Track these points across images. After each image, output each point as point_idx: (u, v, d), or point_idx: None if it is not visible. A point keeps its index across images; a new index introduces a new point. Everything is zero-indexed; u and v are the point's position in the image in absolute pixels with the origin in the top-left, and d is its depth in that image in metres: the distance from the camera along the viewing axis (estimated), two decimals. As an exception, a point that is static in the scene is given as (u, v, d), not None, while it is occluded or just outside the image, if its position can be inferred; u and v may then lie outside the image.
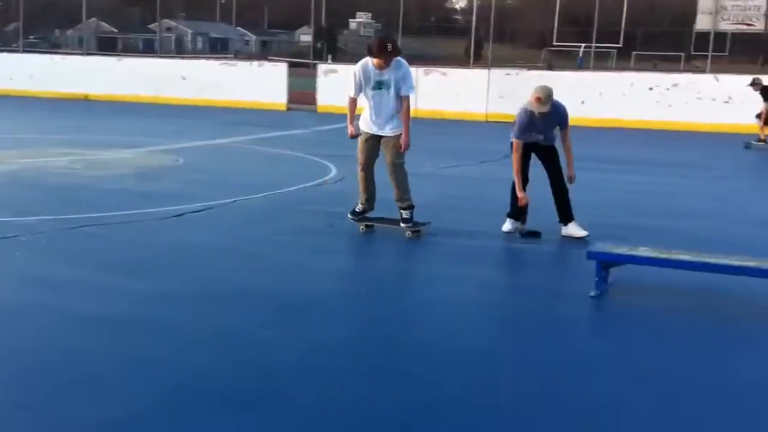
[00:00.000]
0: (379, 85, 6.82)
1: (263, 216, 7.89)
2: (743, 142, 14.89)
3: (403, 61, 6.83)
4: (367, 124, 7.06)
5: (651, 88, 18.86)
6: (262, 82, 21.88)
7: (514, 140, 7.06)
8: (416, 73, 20.31)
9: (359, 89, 6.94)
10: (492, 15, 22.00)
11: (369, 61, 6.80)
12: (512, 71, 20.70)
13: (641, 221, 8.05)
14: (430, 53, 46.85)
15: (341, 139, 15.49)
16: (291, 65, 22.85)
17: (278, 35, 59.42)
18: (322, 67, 21.99)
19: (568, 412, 3.64)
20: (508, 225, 7.27)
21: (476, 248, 6.75)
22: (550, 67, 32.82)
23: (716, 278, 5.55)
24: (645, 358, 4.37)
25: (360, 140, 7.16)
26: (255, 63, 23.72)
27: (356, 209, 7.27)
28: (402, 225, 6.99)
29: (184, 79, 22.55)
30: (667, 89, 18.60)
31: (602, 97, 18.62)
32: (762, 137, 14.90)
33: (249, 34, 57.33)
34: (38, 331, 4.51)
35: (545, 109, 6.84)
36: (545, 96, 6.83)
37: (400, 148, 6.93)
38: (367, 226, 7.18)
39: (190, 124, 17.51)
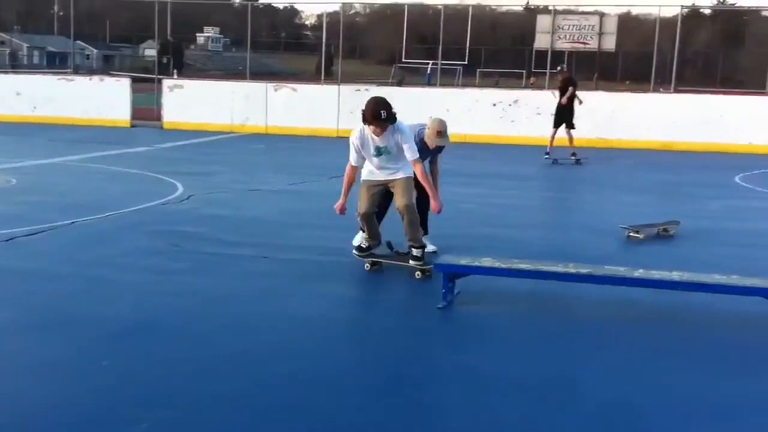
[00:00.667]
0: (380, 151, 6.34)
1: (105, 237, 7.53)
2: (573, 157, 15.45)
3: (400, 125, 6.26)
4: (373, 174, 6.53)
5: (494, 104, 19.56)
6: (103, 98, 21.03)
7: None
8: (266, 88, 20.35)
9: (360, 158, 6.45)
10: (341, 31, 22.18)
11: (365, 128, 6.30)
12: (362, 87, 20.91)
13: (487, 232, 8.29)
14: (281, 69, 46.74)
15: (187, 155, 15.30)
16: (134, 80, 22.11)
17: (121, 49, 57.48)
18: (167, 82, 21.43)
19: (410, 419, 3.66)
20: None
21: (326, 264, 6.71)
22: (400, 83, 33.50)
23: (553, 284, 5.79)
24: (485, 363, 4.48)
25: (363, 188, 6.55)
26: (96, 78, 22.79)
27: (362, 245, 6.68)
28: (411, 263, 6.45)
29: (18, 94, 21.36)
30: (510, 105, 19.34)
31: (449, 112, 19.10)
32: (550, 149, 15.44)
33: (89, 48, 55.10)
34: None
35: (444, 143, 6.91)
36: (444, 129, 6.89)
37: (411, 189, 6.43)
38: (373, 263, 6.61)
39: (25, 142, 16.57)
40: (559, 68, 16.42)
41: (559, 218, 9.47)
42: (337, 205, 6.58)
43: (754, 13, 40.52)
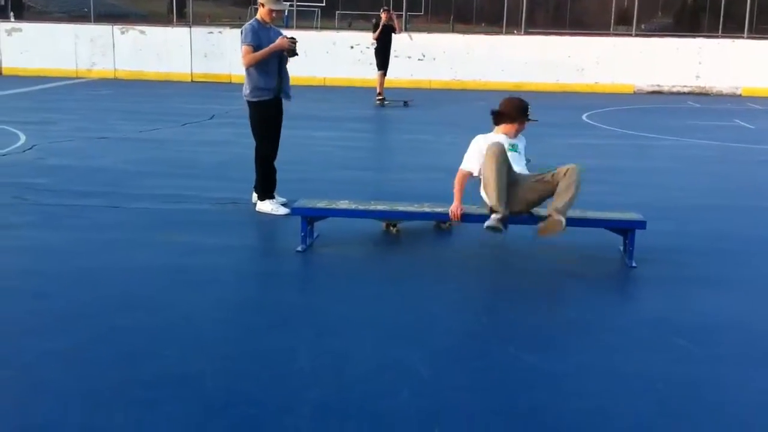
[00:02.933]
0: (513, 148, 5.65)
1: (-65, 192, 7.01)
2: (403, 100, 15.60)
3: None
4: None
5: (352, 47, 19.45)
6: (-68, 43, 19.45)
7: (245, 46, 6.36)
8: (112, 31, 19.38)
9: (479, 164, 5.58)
10: (191, -29, 21.23)
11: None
12: (215, 29, 20.27)
13: (343, 175, 8.30)
14: (129, 11, 44.58)
15: (29, 104, 14.42)
16: (-34, 23, 20.52)
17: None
18: (4, 26, 20.01)
19: (259, 363, 3.64)
20: (273, 206, 6.59)
21: (178, 212, 6.53)
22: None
23: (414, 224, 5.89)
24: (336, 304, 4.51)
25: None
26: None
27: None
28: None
29: None
30: (367, 47, 19.26)
31: (307, 56, 18.84)
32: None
33: None
34: None
35: (280, 7, 6.50)
36: None
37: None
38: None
39: None
40: (382, 10, 16.48)
41: (413, 159, 9.60)
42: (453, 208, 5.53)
43: (599, -44, 41.87)
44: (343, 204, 5.80)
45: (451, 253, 5.71)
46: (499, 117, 5.78)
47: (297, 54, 6.56)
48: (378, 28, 15.73)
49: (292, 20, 27.74)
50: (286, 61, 6.64)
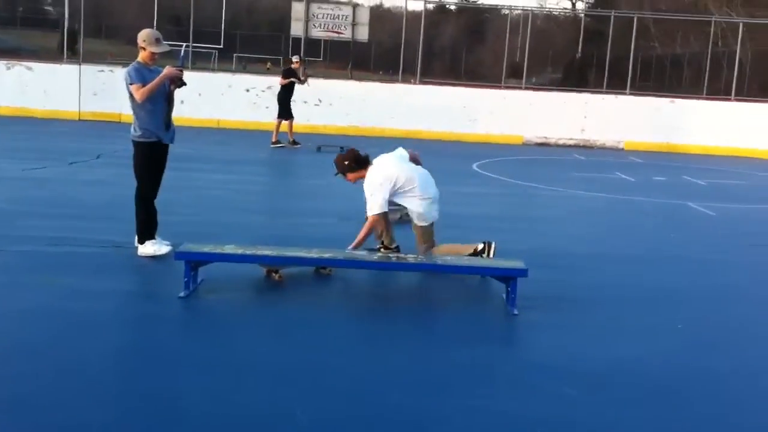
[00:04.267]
0: None
1: None
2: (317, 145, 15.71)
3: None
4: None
5: (248, 90, 19.41)
6: None
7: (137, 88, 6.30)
8: (-3, 66, 18.69)
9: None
10: (82, 7, 20.77)
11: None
12: (106, 68, 19.83)
13: (231, 218, 8.19)
14: (18, 46, 43.17)
15: None
16: None
17: None
18: None
19: (138, 410, 3.52)
20: (154, 246, 6.48)
21: (61, 255, 6.28)
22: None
23: (297, 268, 5.85)
24: (219, 350, 4.43)
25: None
26: None
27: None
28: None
29: None
30: (263, 91, 19.28)
31: (201, 96, 18.68)
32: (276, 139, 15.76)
33: None
34: None
35: (161, 49, 6.41)
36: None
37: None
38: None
39: None
40: (295, 57, 16.64)
41: (304, 203, 9.58)
42: None
43: (494, 10, 43.49)
44: (229, 248, 5.72)
45: (335, 298, 5.69)
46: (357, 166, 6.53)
47: (185, 84, 6.48)
48: (290, 75, 15.78)
49: (188, 61, 27.51)
50: (172, 98, 6.56)
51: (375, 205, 6.27)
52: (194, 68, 23.24)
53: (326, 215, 8.71)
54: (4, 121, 17.52)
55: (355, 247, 6.21)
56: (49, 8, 61.13)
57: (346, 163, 6.62)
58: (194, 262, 5.52)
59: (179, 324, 5.02)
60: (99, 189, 9.50)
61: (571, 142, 19.79)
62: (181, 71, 6.45)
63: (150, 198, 6.49)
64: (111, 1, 54.75)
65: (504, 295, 5.62)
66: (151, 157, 6.45)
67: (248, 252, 5.72)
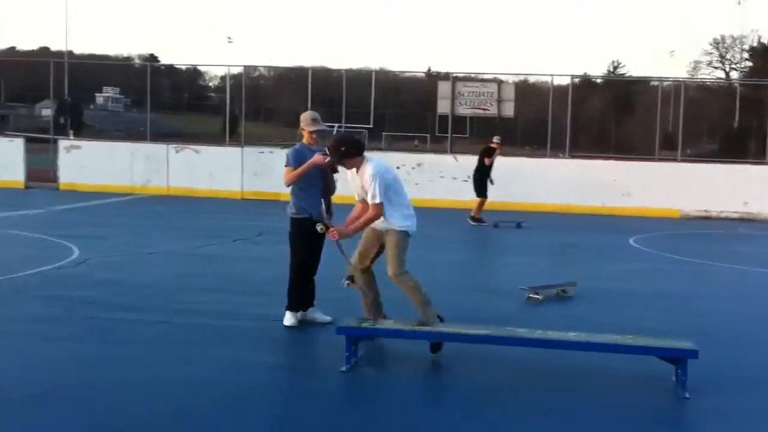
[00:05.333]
0: None
1: (-9, 303, 7.18)
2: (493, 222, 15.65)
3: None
4: None
5: (398, 167, 19.82)
6: (-5, 158, 20.32)
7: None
8: (167, 150, 20.08)
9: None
10: (243, 93, 22.18)
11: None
12: (266, 149, 20.87)
13: (388, 294, 8.28)
14: (184, 130, 46.26)
15: (84, 218, 14.84)
16: (29, 140, 21.46)
17: (16, 109, 55.82)
18: (63, 143, 20.87)
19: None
20: (291, 318, 6.76)
21: (229, 329, 6.56)
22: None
23: (463, 346, 5.82)
24: (379, 423, 4.45)
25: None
26: (-12, 138, 22.02)
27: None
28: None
29: None
30: (413, 168, 19.64)
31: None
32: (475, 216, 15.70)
33: (-18, 107, 53.28)
34: None
35: (316, 127, 6.73)
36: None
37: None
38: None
39: None
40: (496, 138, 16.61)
41: (461, 280, 9.58)
42: None
43: (643, 82, 42.73)
44: (389, 323, 5.79)
45: (498, 373, 5.59)
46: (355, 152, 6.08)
47: (336, 170, 6.69)
48: (490, 153, 15.89)
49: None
50: (330, 180, 6.80)
51: (379, 194, 5.99)
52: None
53: (481, 291, 8.67)
54: (174, 200, 18.70)
55: (356, 229, 6.14)
56: (212, 95, 65.49)
57: (345, 149, 6.13)
58: (354, 336, 5.62)
59: (342, 398, 5.10)
60: (260, 265, 9.89)
61: (734, 215, 18.85)
62: (326, 156, 6.59)
63: (304, 271, 6.72)
64: (269, 87, 57.95)
65: (673, 377, 5.36)
66: (304, 233, 6.68)
67: (406, 327, 5.77)
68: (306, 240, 6.70)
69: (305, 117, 6.85)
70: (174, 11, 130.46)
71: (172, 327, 6.58)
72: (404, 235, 6.14)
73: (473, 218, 15.57)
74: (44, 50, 60.77)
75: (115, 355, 5.71)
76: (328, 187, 6.83)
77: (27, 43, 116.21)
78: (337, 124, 34.99)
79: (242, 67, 23.30)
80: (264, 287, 8.45)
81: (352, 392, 5.20)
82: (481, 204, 15.76)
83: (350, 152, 6.13)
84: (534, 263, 10.92)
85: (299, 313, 6.75)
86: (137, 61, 58.57)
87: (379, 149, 31.86)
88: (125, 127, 41.06)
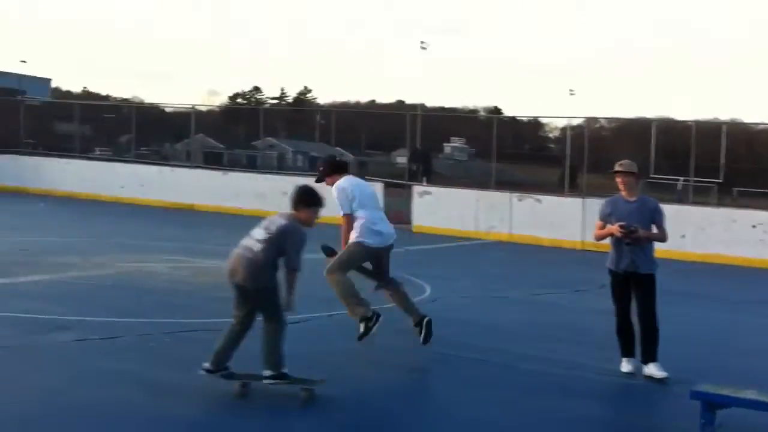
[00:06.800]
0: None
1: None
2: None
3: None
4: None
5: (754, 226, 18.41)
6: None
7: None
8: (509, 198, 20.68)
9: None
10: (585, 144, 22.13)
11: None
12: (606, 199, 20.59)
13: (736, 361, 7.76)
14: (524, 179, 47.25)
15: (435, 259, 15.81)
16: (387, 185, 23.37)
17: (375, 156, 61.07)
18: (417, 189, 22.42)
19: None
20: (628, 365, 6.87)
21: (572, 379, 6.64)
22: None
23: None
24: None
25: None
26: (352, 182, 24.30)
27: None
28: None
29: (285, 194, 23.13)
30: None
31: (704, 231, 18.29)
32: None
33: (348, 154, 59.02)
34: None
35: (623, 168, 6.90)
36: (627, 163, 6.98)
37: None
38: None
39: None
40: None
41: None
42: None
43: None
44: (751, 394, 5.44)
45: None
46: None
47: (630, 242, 6.52)
48: None
49: (686, 194, 27.25)
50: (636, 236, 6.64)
51: (342, 206, 7.05)
52: (693, 202, 22.97)
53: None
54: (516, 247, 19.15)
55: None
56: (551, 145, 66.14)
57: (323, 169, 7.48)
58: (711, 403, 5.36)
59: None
60: (606, 317, 9.80)
61: None
62: (623, 228, 6.50)
63: (618, 321, 6.90)
64: (609, 138, 57.14)
65: None
66: (612, 284, 6.85)
67: (770, 400, 5.38)
68: (614, 291, 7.00)
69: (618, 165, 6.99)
70: (517, 66, 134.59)
71: (514, 371, 6.81)
72: (357, 245, 6.88)
73: None
74: (400, 103, 66.08)
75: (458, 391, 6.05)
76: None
77: (385, 96, 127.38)
78: (682, 178, 33.48)
79: (583, 119, 23.24)
80: (608, 341, 8.37)
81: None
82: None
83: (326, 171, 7.34)
84: None
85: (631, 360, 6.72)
86: (482, 113, 61.24)
87: (727, 205, 29.85)
88: (469, 175, 43.01)
